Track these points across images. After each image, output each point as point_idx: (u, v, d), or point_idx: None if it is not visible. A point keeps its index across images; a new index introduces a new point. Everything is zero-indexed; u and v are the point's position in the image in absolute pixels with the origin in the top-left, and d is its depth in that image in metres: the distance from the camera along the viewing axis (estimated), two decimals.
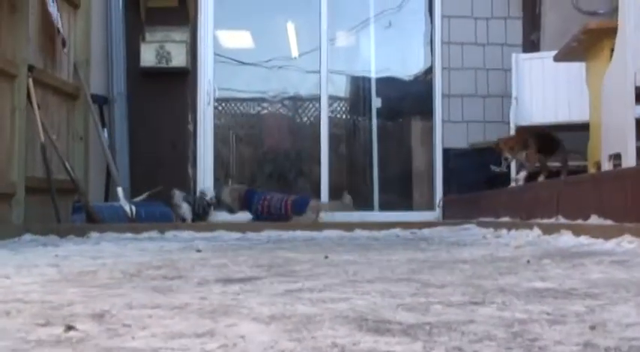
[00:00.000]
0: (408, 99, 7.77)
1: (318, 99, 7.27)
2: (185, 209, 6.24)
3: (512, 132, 5.95)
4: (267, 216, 6.04)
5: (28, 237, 4.42)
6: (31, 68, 5.06)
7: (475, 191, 6.03)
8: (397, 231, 5.11)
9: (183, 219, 6.21)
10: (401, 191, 7.61)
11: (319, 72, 7.14)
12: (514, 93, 6.14)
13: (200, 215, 6.39)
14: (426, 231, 5.03)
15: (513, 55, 6.30)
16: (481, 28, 6.95)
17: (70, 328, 1.12)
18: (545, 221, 3.85)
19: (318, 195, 7.02)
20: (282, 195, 6.26)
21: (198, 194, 6.57)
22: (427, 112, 7.21)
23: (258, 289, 1.72)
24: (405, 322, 1.18)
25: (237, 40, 7.97)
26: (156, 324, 1.18)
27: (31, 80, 5.03)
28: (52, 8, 5.50)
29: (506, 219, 4.71)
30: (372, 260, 2.74)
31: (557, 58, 5.21)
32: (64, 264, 2.58)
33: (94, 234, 4.66)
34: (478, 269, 2.27)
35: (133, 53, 6.48)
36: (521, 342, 1.02)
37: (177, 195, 6.34)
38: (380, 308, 1.35)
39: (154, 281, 1.95)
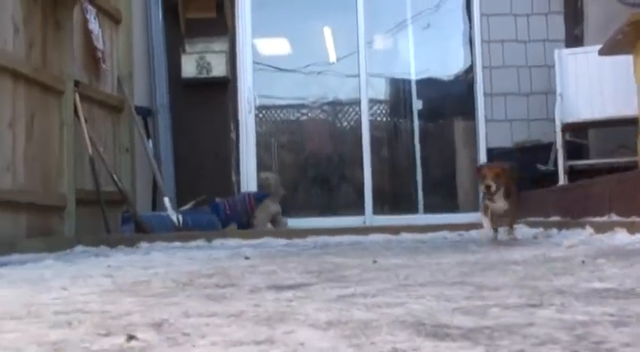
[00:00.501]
0: (450, 100, 7.71)
1: (357, 103, 7.26)
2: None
3: (558, 129, 5.83)
4: (232, 215, 6.11)
5: (79, 248, 4.51)
6: (77, 83, 5.17)
7: (522, 190, 5.94)
8: (444, 233, 5.06)
9: None
10: (445, 193, 7.55)
11: (358, 75, 7.13)
12: (559, 90, 6.02)
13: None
14: (473, 233, 4.97)
15: (556, 51, 6.19)
16: (522, 25, 6.87)
17: (131, 338, 1.13)
18: (598, 219, 3.77)
19: (361, 198, 7.00)
20: (244, 194, 6.42)
21: None
22: (469, 112, 7.15)
23: (311, 295, 1.72)
24: (464, 326, 1.17)
25: (276, 47, 8.02)
26: (214, 332, 1.18)
27: (77, 95, 5.14)
28: (93, 25, 5.62)
29: (556, 218, 4.63)
30: (422, 263, 2.72)
31: (602, 52, 5.10)
32: (117, 274, 2.62)
33: (144, 244, 4.73)
34: (531, 270, 2.23)
35: (174, 65, 6.57)
36: (586, 345, 0.99)
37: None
38: (436, 313, 1.34)
39: (206, 289, 1.96)
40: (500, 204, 3.94)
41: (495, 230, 4.06)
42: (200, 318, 1.35)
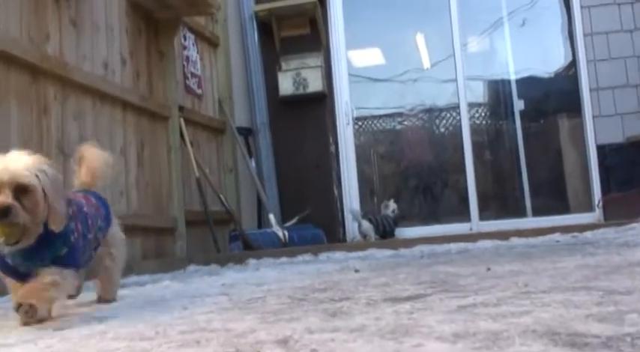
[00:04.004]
0: (553, 98, 7.46)
1: (455, 107, 7.15)
2: (366, 227, 6.30)
3: None
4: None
5: (192, 267, 4.64)
6: (181, 108, 5.35)
7: (638, 187, 5.66)
8: (556, 236, 4.88)
9: (365, 236, 6.28)
10: (554, 194, 7.29)
11: (455, 80, 7.02)
12: None
13: (387, 232, 6.41)
14: (588, 234, 4.77)
15: None
16: (626, 14, 6.56)
17: None
18: None
19: (466, 204, 6.87)
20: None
21: (382, 212, 6.61)
22: (575, 109, 6.89)
23: (430, 306, 1.69)
24: (602, 334, 1.11)
25: (369, 58, 8.02)
26: (341, 348, 1.18)
27: (182, 120, 5.32)
28: (192, 51, 5.81)
29: None
30: (539, 269, 2.63)
31: None
32: (232, 292, 2.67)
33: (252, 261, 4.81)
34: None
35: (271, 83, 6.69)
36: None
37: (356, 212, 6.46)
38: (568, 321, 1.28)
39: (322, 304, 1.96)
40: None
41: None
42: (324, 334, 1.35)
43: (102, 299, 2.58)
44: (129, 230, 4.50)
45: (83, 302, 2.57)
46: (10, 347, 1.55)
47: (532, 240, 4.84)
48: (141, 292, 3.00)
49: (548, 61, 7.50)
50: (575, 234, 4.84)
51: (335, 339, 1.27)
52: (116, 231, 2.64)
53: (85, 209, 2.31)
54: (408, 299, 1.91)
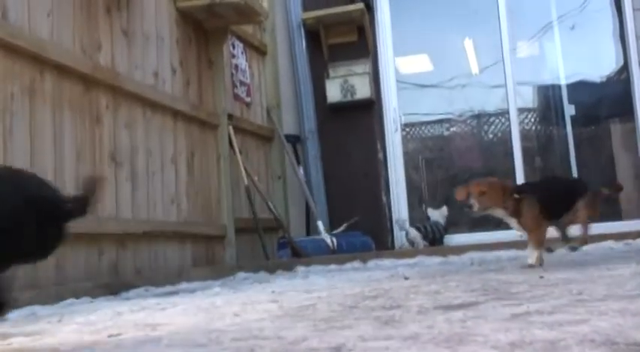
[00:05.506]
0: (604, 103, 7.30)
1: (504, 113, 7.06)
2: (414, 234, 6.26)
3: None
4: None
5: (241, 274, 4.68)
6: (230, 117, 5.41)
7: None
8: (609, 243, 4.78)
9: (412, 243, 6.24)
10: (606, 200, 7.11)
11: (505, 85, 6.93)
12: None
13: (436, 239, 6.36)
14: None
15: None
16: None
17: None
18: None
19: None
20: None
21: (431, 219, 6.57)
22: (627, 114, 6.72)
23: (483, 314, 1.67)
24: None
25: (417, 64, 7.98)
26: None
27: (231, 128, 5.38)
28: (240, 60, 5.88)
29: None
30: (593, 276, 2.58)
31: None
32: (282, 299, 2.68)
33: (301, 268, 4.83)
34: None
35: (319, 91, 6.70)
36: None
37: (402, 221, 6.44)
38: (627, 330, 1.25)
39: (374, 311, 1.96)
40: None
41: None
42: (377, 342, 1.35)
43: None
44: (179, 237, 4.60)
45: None
46: None
47: (585, 247, 4.74)
48: (192, 299, 3.04)
49: (600, 65, 7.36)
50: (629, 241, 4.73)
51: (389, 347, 1.27)
52: None
53: None
54: (460, 307, 1.90)
